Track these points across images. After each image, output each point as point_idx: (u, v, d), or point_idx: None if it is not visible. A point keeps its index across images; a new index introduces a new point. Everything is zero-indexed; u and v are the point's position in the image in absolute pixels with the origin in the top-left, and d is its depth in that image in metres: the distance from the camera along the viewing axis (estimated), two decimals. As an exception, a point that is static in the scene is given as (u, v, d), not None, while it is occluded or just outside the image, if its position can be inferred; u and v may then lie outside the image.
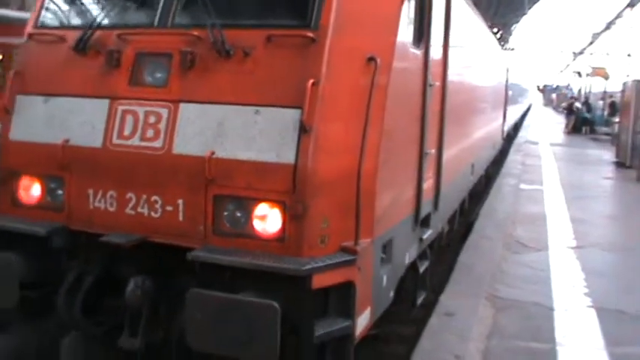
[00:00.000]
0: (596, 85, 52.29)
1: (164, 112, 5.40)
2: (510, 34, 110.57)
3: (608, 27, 56.98)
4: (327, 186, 5.05)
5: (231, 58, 5.29)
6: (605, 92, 43.14)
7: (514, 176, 18.98)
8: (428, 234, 7.55)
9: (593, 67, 48.56)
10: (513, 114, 34.02)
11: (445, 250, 10.48)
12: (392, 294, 6.31)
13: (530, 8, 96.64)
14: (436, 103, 7.60)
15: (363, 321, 5.43)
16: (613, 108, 38.74)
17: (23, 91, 6.05)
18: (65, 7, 6.40)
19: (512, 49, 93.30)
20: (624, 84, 26.70)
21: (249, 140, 5.10)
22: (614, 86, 39.11)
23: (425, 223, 7.45)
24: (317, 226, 5.04)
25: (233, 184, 5.12)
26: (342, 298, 5.14)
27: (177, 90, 5.41)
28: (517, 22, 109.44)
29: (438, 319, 7.21)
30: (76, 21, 6.26)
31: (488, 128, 16.20)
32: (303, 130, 4.94)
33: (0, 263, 5.43)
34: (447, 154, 8.37)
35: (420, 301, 7.73)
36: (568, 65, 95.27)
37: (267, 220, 5.06)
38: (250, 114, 5.14)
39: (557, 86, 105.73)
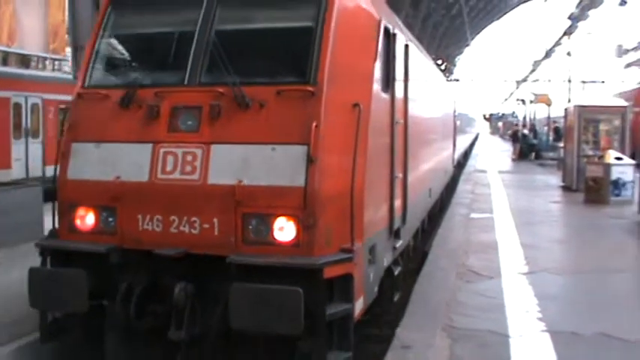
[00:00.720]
0: (540, 112, 53.15)
1: (199, 152, 6.72)
2: (455, 65, 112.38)
3: (547, 55, 58.31)
4: (329, 202, 6.49)
5: (249, 108, 6.68)
6: (549, 118, 43.81)
7: (465, 206, 19.21)
8: (399, 243, 9.16)
9: (535, 94, 49.39)
10: (462, 143, 36.02)
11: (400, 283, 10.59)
12: (376, 289, 7.76)
13: (472, 39, 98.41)
14: (401, 136, 9.25)
15: (359, 305, 6.86)
16: (557, 133, 39.39)
17: (77, 139, 7.31)
18: (107, 70, 7.75)
19: (457, 80, 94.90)
20: (566, 109, 27.13)
21: (268, 170, 6.51)
22: (557, 111, 39.77)
23: (397, 234, 8.99)
24: (323, 232, 6.44)
25: (257, 204, 6.49)
26: (344, 287, 6.51)
27: (208, 134, 6.74)
28: (461, 53, 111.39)
29: (394, 352, 7.22)
30: (116, 82, 7.59)
31: (441, 157, 18.14)
32: (310, 161, 6.38)
33: (75, 278, 6.74)
34: (410, 179, 9.95)
35: (396, 298, 9.28)
36: (512, 93, 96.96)
37: (285, 230, 6.46)
38: (268, 150, 6.55)
39: (503, 114, 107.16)
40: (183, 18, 7.42)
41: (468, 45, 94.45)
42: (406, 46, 9.84)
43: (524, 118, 56.93)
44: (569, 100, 37.36)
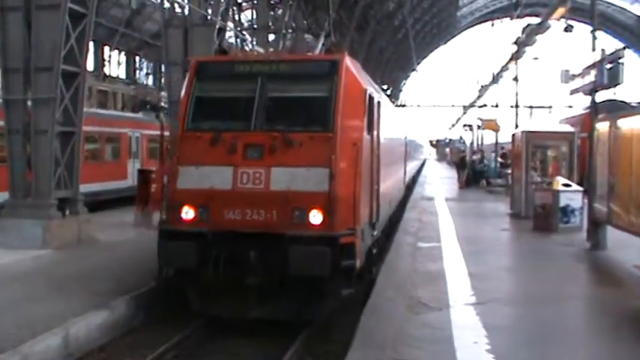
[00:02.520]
0: (488, 137, 53.22)
1: (263, 172, 10.82)
2: (400, 90, 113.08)
3: (495, 80, 58.70)
4: (342, 201, 10.60)
5: (293, 146, 10.84)
6: (496, 144, 43.85)
7: (412, 234, 18.97)
8: (375, 232, 13.40)
9: (483, 120, 49.26)
10: (411, 168, 38.23)
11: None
12: (364, 258, 11.71)
13: (419, 64, 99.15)
14: (376, 162, 13.33)
15: (357, 263, 10.92)
16: (505, 159, 39.25)
17: (182, 163, 11.35)
18: (197, 120, 11.77)
19: (404, 106, 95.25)
20: (513, 135, 27.07)
21: (306, 182, 10.66)
22: (505, 137, 39.77)
23: (374, 227, 13.04)
24: (339, 218, 10.55)
25: (300, 202, 10.62)
26: (350, 251, 10.62)
27: (268, 161, 10.86)
28: (407, 77, 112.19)
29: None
30: (205, 127, 11.57)
31: (396, 178, 21.86)
32: (332, 177, 10.55)
33: (189, 247, 10.73)
34: (381, 190, 13.90)
35: (374, 270, 13.41)
36: (459, 119, 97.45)
37: (316, 217, 10.57)
38: (305, 171, 10.72)
39: (450, 140, 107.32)
40: (246, 87, 11.57)
41: (414, 70, 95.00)
42: (379, 102, 14.08)
43: (472, 144, 57.14)
44: (516, 126, 37.39)
